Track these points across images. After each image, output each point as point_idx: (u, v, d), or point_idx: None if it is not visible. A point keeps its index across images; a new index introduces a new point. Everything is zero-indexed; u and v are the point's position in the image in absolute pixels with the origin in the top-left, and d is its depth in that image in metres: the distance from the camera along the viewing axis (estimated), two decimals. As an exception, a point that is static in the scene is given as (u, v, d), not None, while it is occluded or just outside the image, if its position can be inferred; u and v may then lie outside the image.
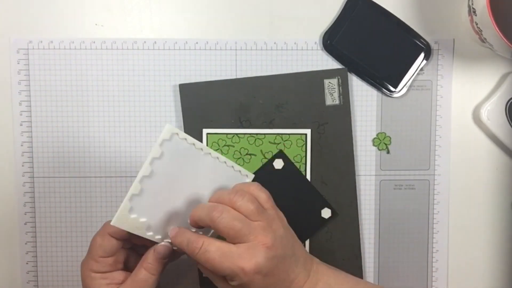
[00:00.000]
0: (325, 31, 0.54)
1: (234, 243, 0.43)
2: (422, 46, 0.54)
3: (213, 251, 0.42)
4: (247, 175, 0.49)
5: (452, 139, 0.56)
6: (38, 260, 0.55)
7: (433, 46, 0.55)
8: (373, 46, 0.54)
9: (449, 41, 0.55)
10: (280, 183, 0.54)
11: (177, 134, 0.44)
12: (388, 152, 0.55)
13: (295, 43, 0.54)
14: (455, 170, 0.56)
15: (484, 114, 0.54)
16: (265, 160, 0.54)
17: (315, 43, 0.54)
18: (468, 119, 0.56)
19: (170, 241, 0.46)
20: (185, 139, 0.45)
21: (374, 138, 0.55)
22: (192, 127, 0.54)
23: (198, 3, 0.54)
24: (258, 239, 0.42)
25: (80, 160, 0.54)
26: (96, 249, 0.45)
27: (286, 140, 0.54)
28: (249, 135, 0.54)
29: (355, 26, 0.54)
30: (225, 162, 0.47)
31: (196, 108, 0.53)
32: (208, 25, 0.54)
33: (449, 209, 0.56)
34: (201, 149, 0.46)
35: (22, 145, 0.54)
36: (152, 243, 0.46)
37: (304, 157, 0.54)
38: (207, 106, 0.53)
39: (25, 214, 0.54)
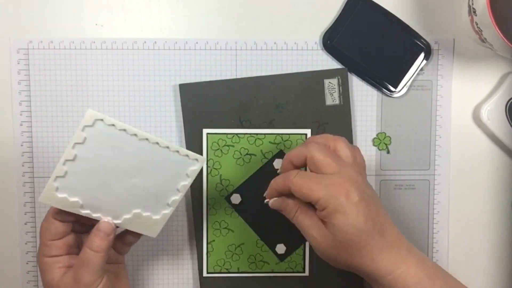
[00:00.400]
0: (325, 31, 0.54)
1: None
2: (422, 46, 0.54)
3: (307, 175, 0.44)
4: (197, 159, 0.46)
5: (452, 139, 0.56)
6: (38, 260, 0.55)
7: (433, 46, 0.55)
8: (373, 46, 0.54)
9: (449, 41, 0.55)
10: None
11: (101, 120, 0.43)
12: (388, 152, 0.55)
13: (295, 43, 0.54)
14: (455, 170, 0.56)
15: (484, 114, 0.54)
16: (265, 160, 0.54)
17: (315, 43, 0.54)
18: (468, 119, 0.56)
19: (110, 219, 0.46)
20: (113, 124, 0.43)
21: (374, 138, 0.55)
22: (192, 127, 0.54)
23: (198, 3, 0.54)
24: (347, 168, 0.44)
25: (80, 160, 0.54)
26: (43, 233, 0.45)
27: (286, 140, 0.54)
28: (249, 135, 0.54)
29: (355, 26, 0.54)
30: (167, 147, 0.45)
31: (196, 108, 0.53)
32: (208, 25, 0.54)
33: (449, 209, 0.56)
34: (135, 134, 0.44)
35: (22, 145, 0.54)
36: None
37: (304, 157, 0.54)
38: (207, 106, 0.53)
39: (25, 214, 0.54)
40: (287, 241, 0.55)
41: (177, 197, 0.46)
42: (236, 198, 0.54)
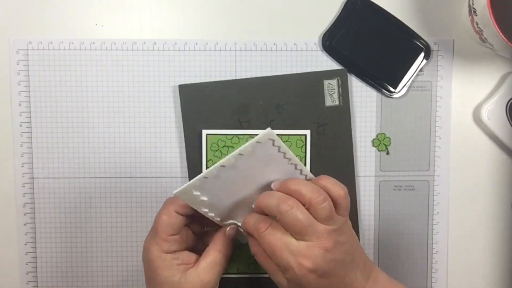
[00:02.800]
0: (324, 32, 0.54)
1: (295, 238, 0.42)
2: (422, 46, 0.54)
3: (276, 237, 0.42)
4: (306, 175, 0.47)
5: (452, 140, 0.55)
6: (37, 261, 0.55)
7: (433, 47, 0.54)
8: (372, 47, 0.54)
9: (448, 41, 0.55)
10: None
11: (273, 140, 0.43)
12: (387, 153, 0.55)
13: (294, 44, 0.54)
14: (455, 171, 0.56)
15: (485, 114, 0.54)
16: (264, 161, 0.54)
17: (315, 44, 0.54)
18: (469, 119, 0.56)
19: (236, 223, 0.47)
20: (279, 147, 0.43)
21: (374, 139, 0.55)
22: (192, 128, 0.54)
23: (198, 4, 0.54)
24: (319, 241, 0.42)
25: (79, 161, 0.54)
26: (164, 228, 0.44)
27: (285, 141, 0.54)
28: (248, 136, 0.54)
29: (355, 27, 0.54)
30: (295, 165, 0.45)
31: (195, 109, 0.53)
32: (207, 26, 0.54)
33: (449, 210, 0.56)
34: (289, 159, 0.44)
35: (21, 146, 0.54)
36: (212, 224, 0.47)
37: (304, 158, 0.54)
38: (206, 107, 0.53)
39: (25, 214, 0.54)
40: None
41: None
42: None
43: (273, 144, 0.43)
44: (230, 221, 0.47)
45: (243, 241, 0.48)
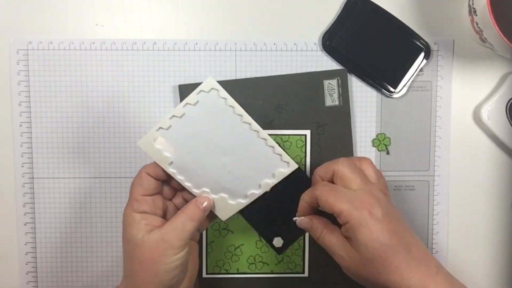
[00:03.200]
0: (324, 32, 0.54)
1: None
2: (422, 46, 0.54)
3: (334, 187, 0.45)
4: (288, 162, 0.47)
5: (452, 140, 0.55)
6: (37, 261, 0.55)
7: (433, 47, 0.54)
8: (372, 47, 0.54)
9: (448, 41, 0.55)
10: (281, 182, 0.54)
11: (217, 90, 0.45)
12: (387, 153, 0.55)
13: (294, 44, 0.54)
14: (455, 171, 0.56)
15: (485, 114, 0.54)
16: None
17: (315, 44, 0.54)
18: (469, 119, 0.56)
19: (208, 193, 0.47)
20: (225, 98, 0.45)
21: (374, 139, 0.55)
22: (192, 128, 0.54)
23: (198, 4, 0.54)
24: (372, 190, 0.44)
25: (79, 161, 0.54)
26: (135, 188, 0.45)
27: (285, 141, 0.54)
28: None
29: (355, 27, 0.54)
30: (265, 139, 0.46)
31: (195, 109, 0.54)
32: (207, 26, 0.54)
33: (449, 210, 0.56)
34: (240, 115, 0.45)
35: (21, 146, 0.54)
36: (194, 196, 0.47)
37: (304, 158, 0.54)
38: (206, 107, 0.54)
39: (25, 215, 0.54)
40: (284, 234, 0.55)
41: (256, 191, 0.47)
42: None
43: (219, 96, 0.45)
44: (203, 189, 0.47)
45: (223, 217, 0.48)
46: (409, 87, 0.55)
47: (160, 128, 0.45)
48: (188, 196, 0.48)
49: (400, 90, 0.54)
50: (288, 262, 0.55)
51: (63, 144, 0.54)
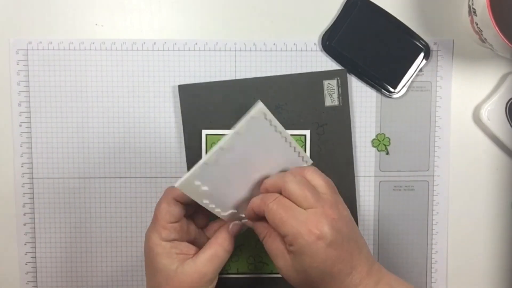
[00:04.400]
0: (324, 32, 0.54)
1: (302, 208, 0.42)
2: (422, 47, 0.54)
3: (284, 205, 0.42)
4: (306, 161, 0.46)
5: (451, 140, 0.55)
6: (37, 261, 0.55)
7: (433, 47, 0.54)
8: (372, 47, 0.54)
9: (448, 42, 0.55)
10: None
11: (265, 113, 0.42)
12: (387, 153, 0.55)
13: (294, 44, 0.54)
14: (454, 171, 0.56)
15: (485, 114, 0.54)
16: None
17: (315, 44, 0.54)
18: (468, 119, 0.56)
19: (236, 214, 0.46)
20: (270, 120, 0.42)
21: (374, 139, 0.55)
22: (192, 128, 0.54)
23: (198, 4, 0.54)
24: (325, 209, 0.41)
25: (79, 161, 0.54)
26: (163, 215, 0.44)
27: (285, 141, 0.54)
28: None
29: (354, 27, 0.54)
30: (294, 147, 0.45)
31: (195, 109, 0.53)
32: (207, 26, 0.54)
33: (449, 210, 0.56)
34: (280, 132, 0.43)
35: (21, 146, 0.54)
36: (215, 217, 0.46)
37: (303, 158, 0.54)
38: (206, 107, 0.53)
39: (24, 215, 0.54)
40: None
41: None
42: None
43: (265, 118, 0.42)
44: (230, 211, 0.46)
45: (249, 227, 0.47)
46: (409, 87, 0.55)
47: (205, 163, 0.41)
48: (208, 212, 0.47)
49: (400, 90, 0.54)
50: (287, 262, 0.55)
51: (63, 144, 0.54)
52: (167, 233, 0.44)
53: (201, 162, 0.41)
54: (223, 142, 0.41)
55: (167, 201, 0.44)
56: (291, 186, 0.42)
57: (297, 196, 0.42)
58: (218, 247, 0.44)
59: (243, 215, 0.47)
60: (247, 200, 0.45)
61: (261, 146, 0.43)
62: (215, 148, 0.41)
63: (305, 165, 0.47)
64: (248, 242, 0.55)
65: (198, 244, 0.47)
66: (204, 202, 0.44)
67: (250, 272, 0.55)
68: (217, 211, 0.45)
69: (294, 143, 0.45)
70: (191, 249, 0.45)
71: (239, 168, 0.43)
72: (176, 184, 0.41)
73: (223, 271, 0.55)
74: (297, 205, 0.42)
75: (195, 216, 0.48)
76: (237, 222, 0.47)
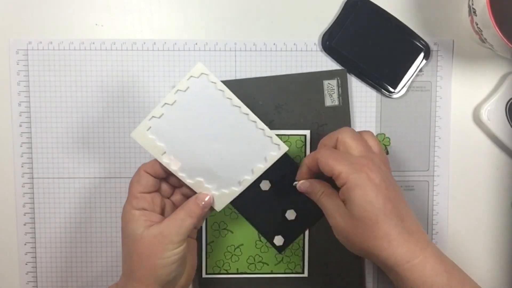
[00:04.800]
0: (324, 32, 0.54)
1: None
2: (422, 47, 0.54)
3: (336, 152, 0.45)
4: (279, 145, 0.46)
5: (451, 140, 0.55)
6: (37, 261, 0.55)
7: (433, 47, 0.54)
8: (372, 47, 0.54)
9: (448, 42, 0.55)
10: (281, 181, 0.54)
11: (206, 75, 0.45)
12: (387, 153, 0.55)
13: (294, 44, 0.54)
14: (454, 171, 0.56)
15: (484, 114, 0.54)
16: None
17: (315, 44, 0.54)
18: (468, 119, 0.56)
19: (203, 183, 0.47)
20: (215, 83, 0.45)
21: (374, 139, 0.55)
22: (191, 128, 0.54)
23: (198, 4, 0.54)
24: (374, 160, 0.45)
25: (79, 161, 0.54)
26: (134, 186, 0.46)
27: (285, 141, 0.54)
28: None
29: (354, 27, 0.54)
30: (254, 122, 0.46)
31: (195, 109, 0.54)
32: (207, 26, 0.54)
33: (449, 210, 0.56)
34: (230, 98, 0.45)
35: (21, 146, 0.54)
36: (192, 193, 0.47)
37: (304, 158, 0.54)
38: (206, 107, 0.54)
39: (24, 215, 0.54)
40: (285, 232, 0.55)
41: (249, 177, 0.47)
42: None
43: (208, 80, 0.45)
44: (197, 179, 0.47)
45: (218, 208, 0.48)
46: (409, 87, 0.55)
47: (152, 117, 0.45)
48: (186, 192, 0.48)
49: (400, 90, 0.54)
50: (287, 262, 0.55)
51: (63, 144, 0.54)
52: (136, 201, 0.45)
53: (149, 115, 0.45)
54: (166, 97, 0.45)
55: (138, 173, 0.46)
56: (345, 136, 0.46)
57: (349, 145, 0.45)
58: (183, 212, 0.45)
59: (210, 186, 0.47)
60: (214, 173, 0.46)
61: (209, 108, 0.45)
62: (160, 103, 0.45)
63: (276, 149, 0.46)
64: (248, 242, 0.55)
65: None
66: (164, 161, 0.46)
67: (250, 272, 0.55)
68: (181, 175, 0.46)
69: (254, 117, 0.45)
70: (159, 217, 0.46)
71: (192, 129, 0.45)
72: (131, 133, 0.45)
73: (223, 271, 0.55)
74: (349, 153, 0.45)
75: (174, 198, 0.49)
76: (206, 193, 0.47)
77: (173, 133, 0.45)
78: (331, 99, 0.54)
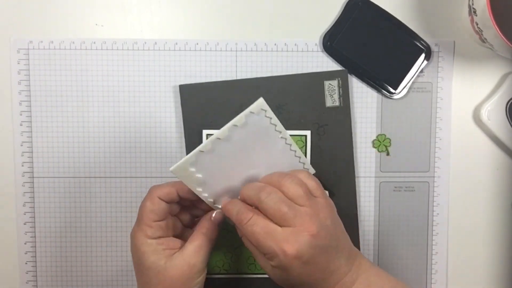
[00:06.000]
0: (325, 33, 0.54)
1: (280, 226, 0.43)
2: (422, 48, 0.54)
3: (260, 226, 0.42)
4: (308, 169, 0.48)
5: (452, 141, 0.55)
6: (37, 260, 0.55)
7: (434, 48, 0.54)
8: (373, 48, 0.54)
9: (449, 43, 0.55)
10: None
11: (265, 111, 0.44)
12: (388, 154, 0.55)
13: (295, 45, 0.54)
14: (455, 172, 0.56)
15: (485, 114, 0.54)
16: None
17: (316, 44, 0.54)
18: (469, 119, 0.56)
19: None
20: (270, 118, 0.45)
21: (374, 140, 0.55)
22: (192, 128, 0.54)
23: (199, 4, 0.54)
24: (303, 225, 0.42)
25: (79, 161, 0.54)
26: (147, 214, 0.44)
27: (286, 141, 0.54)
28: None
29: (355, 27, 0.54)
30: (294, 151, 0.47)
31: (196, 109, 0.53)
32: (208, 26, 0.54)
33: (449, 211, 0.56)
34: (280, 131, 0.45)
35: (22, 145, 0.54)
36: (202, 213, 0.47)
37: (304, 158, 0.54)
38: (207, 107, 0.53)
39: (25, 214, 0.54)
40: None
41: None
42: None
43: (266, 115, 0.44)
44: (223, 198, 0.47)
45: (231, 223, 0.48)
46: (410, 88, 0.55)
47: (200, 151, 0.43)
48: (195, 212, 0.48)
49: (401, 91, 0.54)
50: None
51: (63, 143, 0.54)
52: (152, 231, 0.44)
53: (197, 149, 0.43)
54: (220, 132, 0.43)
55: (151, 199, 0.45)
56: (268, 202, 0.43)
57: (274, 212, 0.42)
58: (203, 237, 0.45)
59: None
60: (237, 191, 0.46)
61: (258, 142, 0.45)
62: (212, 136, 0.43)
63: (305, 168, 0.48)
64: (248, 242, 0.55)
65: (184, 239, 0.47)
66: (198, 190, 0.45)
67: (250, 272, 0.55)
68: (209, 200, 0.46)
69: (295, 147, 0.46)
70: (177, 242, 0.45)
71: (234, 161, 0.45)
72: (171, 169, 0.43)
73: (223, 271, 0.55)
74: (274, 222, 0.43)
75: (181, 215, 0.49)
76: (220, 210, 0.47)
77: (216, 165, 0.44)
78: (331, 99, 0.54)
